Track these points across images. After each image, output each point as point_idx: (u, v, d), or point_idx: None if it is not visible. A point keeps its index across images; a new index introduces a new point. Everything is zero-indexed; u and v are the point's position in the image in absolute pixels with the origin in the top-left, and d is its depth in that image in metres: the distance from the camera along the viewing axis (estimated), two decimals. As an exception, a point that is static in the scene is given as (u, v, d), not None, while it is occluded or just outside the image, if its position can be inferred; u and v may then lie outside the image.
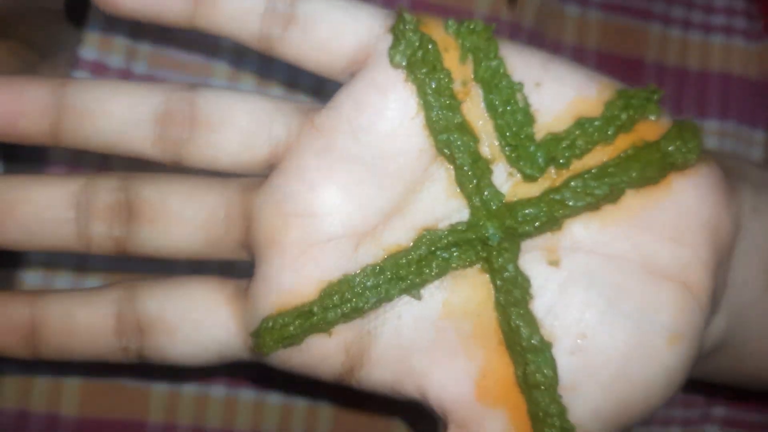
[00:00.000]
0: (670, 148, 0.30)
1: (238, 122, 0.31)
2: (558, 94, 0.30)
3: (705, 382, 0.38)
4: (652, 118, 0.30)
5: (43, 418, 0.41)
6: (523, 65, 0.30)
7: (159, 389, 0.42)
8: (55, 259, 0.40)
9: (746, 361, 0.35)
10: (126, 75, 0.42)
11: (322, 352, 0.31)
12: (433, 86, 0.30)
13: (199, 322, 0.32)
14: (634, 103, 0.30)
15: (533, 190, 0.30)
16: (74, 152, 0.40)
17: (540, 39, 0.45)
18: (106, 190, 0.32)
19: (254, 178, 0.32)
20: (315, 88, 0.43)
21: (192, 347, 0.32)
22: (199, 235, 0.32)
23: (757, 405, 0.46)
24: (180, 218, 0.32)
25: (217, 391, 0.42)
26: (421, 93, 0.30)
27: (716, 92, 0.47)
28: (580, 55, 0.46)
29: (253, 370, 0.41)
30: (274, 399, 0.43)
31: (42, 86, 0.31)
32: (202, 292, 0.32)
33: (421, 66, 0.30)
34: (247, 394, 0.43)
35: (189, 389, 0.42)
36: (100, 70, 0.41)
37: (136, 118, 0.31)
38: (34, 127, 0.31)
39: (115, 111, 0.31)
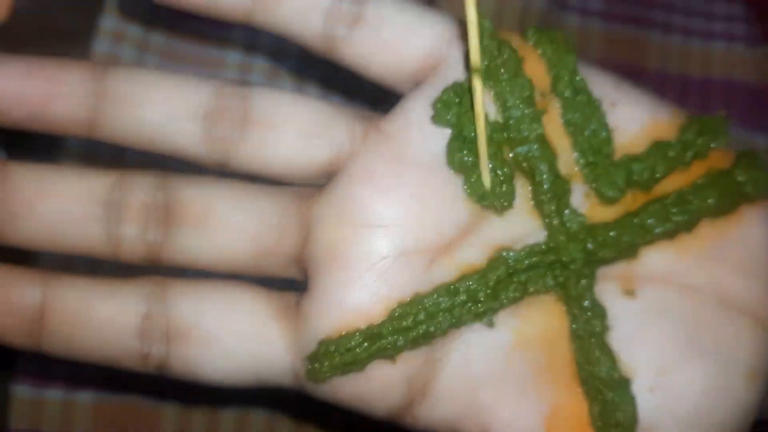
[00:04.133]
0: (743, 178, 0.29)
1: (296, 122, 0.28)
2: (633, 115, 0.29)
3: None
4: (722, 146, 0.30)
5: None
6: (599, 84, 0.29)
7: (171, 409, 0.38)
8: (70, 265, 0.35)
9: None
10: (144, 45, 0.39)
11: (383, 383, 0.28)
12: (515, 93, 0.28)
13: (242, 335, 0.28)
14: (707, 128, 0.29)
15: (609, 214, 0.29)
16: (88, 149, 0.36)
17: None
18: (142, 188, 0.28)
19: (309, 187, 0.29)
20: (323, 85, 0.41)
21: (229, 364, 0.28)
22: (247, 245, 0.28)
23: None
24: (227, 224, 0.28)
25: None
26: (501, 101, 0.28)
27: (719, 99, 0.48)
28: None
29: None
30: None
31: (81, 70, 0.27)
32: (247, 301, 0.28)
33: (502, 72, 0.28)
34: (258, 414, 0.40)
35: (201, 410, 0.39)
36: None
37: (183, 111, 0.28)
38: (68, 113, 0.27)
39: (161, 101, 0.27)
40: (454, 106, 0.28)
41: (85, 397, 0.40)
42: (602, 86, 0.29)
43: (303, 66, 0.41)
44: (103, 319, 0.27)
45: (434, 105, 0.28)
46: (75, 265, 0.30)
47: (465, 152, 0.28)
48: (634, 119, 0.29)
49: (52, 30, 0.38)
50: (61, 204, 0.27)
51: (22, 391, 0.41)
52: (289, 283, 0.29)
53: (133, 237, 0.28)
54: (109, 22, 0.40)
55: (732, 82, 0.48)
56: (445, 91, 0.28)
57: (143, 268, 0.29)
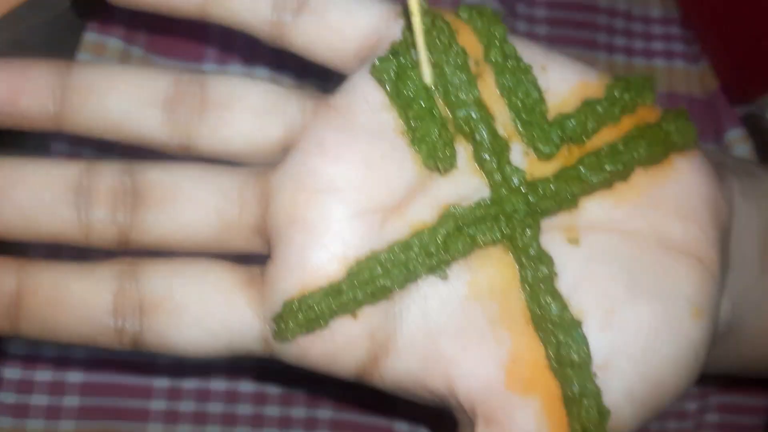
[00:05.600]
0: (670, 129, 0.31)
1: (251, 102, 0.30)
2: (563, 77, 0.31)
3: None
4: (649, 102, 0.32)
5: None
6: (528, 51, 0.31)
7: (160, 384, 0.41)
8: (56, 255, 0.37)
9: (744, 346, 0.36)
10: (125, 59, 0.42)
11: (346, 338, 0.29)
12: (451, 62, 0.30)
13: (211, 304, 0.29)
14: (633, 86, 0.31)
15: (547, 169, 0.30)
16: (71, 145, 0.38)
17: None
18: (109, 174, 0.30)
19: (266, 165, 0.31)
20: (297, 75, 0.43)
21: (200, 333, 0.29)
22: (211, 219, 0.30)
23: (750, 390, 0.47)
24: (191, 200, 0.30)
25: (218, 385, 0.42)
26: (439, 69, 0.30)
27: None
28: None
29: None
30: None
31: (45, 67, 0.29)
32: (214, 273, 0.30)
33: (437, 44, 0.30)
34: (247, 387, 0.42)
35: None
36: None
37: (143, 99, 0.30)
38: (36, 108, 0.29)
39: (122, 91, 0.29)
40: (391, 61, 0.30)
41: (74, 377, 0.42)
42: (532, 53, 0.31)
43: (278, 58, 0.43)
44: (77, 299, 0.29)
45: (373, 62, 0.30)
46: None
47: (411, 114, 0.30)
48: (564, 80, 0.31)
49: None
50: (33, 191, 0.29)
51: (11, 373, 0.42)
52: (251, 259, 0.31)
53: (103, 220, 0.29)
54: (84, 57, 0.42)
55: (676, 94, 0.51)
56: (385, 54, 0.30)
57: (114, 253, 0.30)
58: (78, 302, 0.29)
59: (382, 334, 0.29)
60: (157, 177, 0.30)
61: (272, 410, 0.44)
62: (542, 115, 0.30)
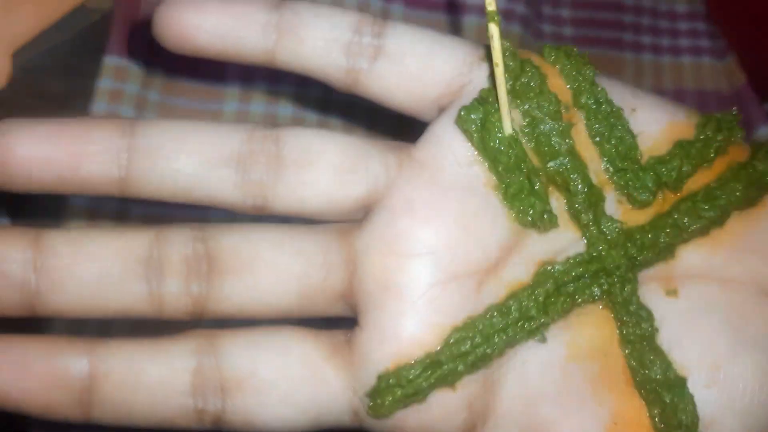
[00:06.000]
0: (761, 168, 0.29)
1: (330, 159, 0.28)
2: (653, 119, 0.29)
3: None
4: (739, 140, 0.30)
5: None
6: (616, 92, 0.29)
7: None
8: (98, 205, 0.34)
9: None
10: (141, 102, 0.39)
11: (444, 410, 0.27)
12: (544, 110, 0.28)
13: (298, 379, 0.27)
14: (724, 124, 0.30)
15: (641, 217, 0.29)
16: (91, 207, 0.35)
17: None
18: (180, 241, 0.27)
19: (348, 223, 0.29)
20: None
21: (288, 410, 0.27)
22: (293, 286, 0.28)
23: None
24: (272, 266, 0.27)
25: None
26: (530, 118, 0.28)
27: (693, 108, 0.49)
28: None
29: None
30: None
31: (109, 126, 0.27)
32: (298, 343, 0.28)
33: (527, 90, 0.28)
34: None
35: None
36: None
37: (215, 159, 0.27)
38: (99, 171, 0.26)
39: (194, 151, 0.27)
40: (479, 110, 0.28)
41: None
42: (620, 94, 0.29)
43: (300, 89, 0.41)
44: (153, 380, 0.27)
45: (459, 112, 0.28)
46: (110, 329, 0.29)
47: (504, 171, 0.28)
48: (654, 122, 0.29)
49: (49, 94, 0.38)
50: (100, 266, 0.27)
51: None
52: (330, 322, 0.29)
53: (176, 292, 0.27)
54: (106, 83, 0.39)
55: (704, 91, 0.50)
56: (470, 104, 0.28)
57: (185, 324, 0.28)
58: (155, 384, 0.27)
59: (480, 404, 0.27)
60: (233, 243, 0.28)
61: None
62: (636, 161, 0.29)
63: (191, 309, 0.27)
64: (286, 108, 0.44)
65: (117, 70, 0.41)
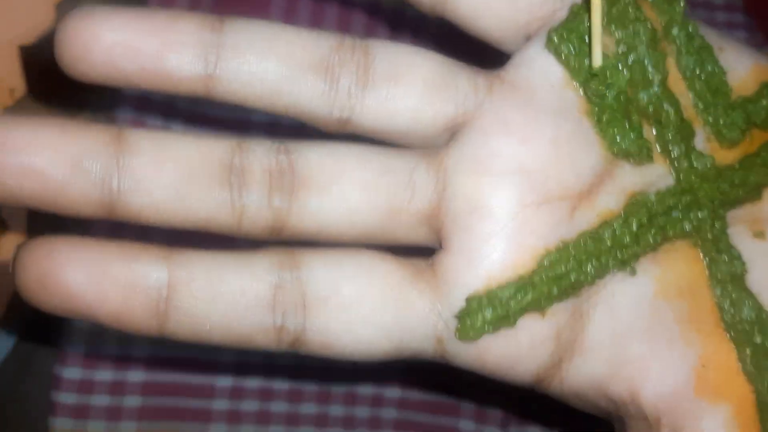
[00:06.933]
0: None
1: (421, 74, 0.27)
2: (739, 60, 0.29)
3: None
4: None
5: None
6: (704, 31, 0.29)
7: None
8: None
9: None
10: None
11: (531, 338, 0.26)
12: (642, 37, 0.27)
13: (383, 299, 0.26)
14: None
15: (729, 156, 0.28)
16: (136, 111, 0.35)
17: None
18: (263, 153, 0.26)
19: (434, 148, 0.28)
20: None
21: (371, 332, 0.26)
22: (378, 206, 0.26)
23: None
24: (359, 182, 0.26)
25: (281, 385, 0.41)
26: (625, 44, 0.27)
27: None
28: None
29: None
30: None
31: (196, 20, 0.26)
32: (381, 265, 0.26)
33: (624, 15, 0.27)
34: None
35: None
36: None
37: (305, 63, 0.26)
38: (184, 66, 0.26)
39: (283, 53, 0.26)
40: (571, 32, 0.27)
41: (135, 376, 0.40)
42: (707, 33, 0.29)
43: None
44: (234, 292, 0.25)
45: (549, 34, 0.27)
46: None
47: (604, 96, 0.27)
48: (741, 63, 0.29)
49: None
50: (185, 168, 0.25)
51: (71, 372, 0.39)
52: (408, 253, 0.28)
53: (257, 204, 0.26)
54: None
55: None
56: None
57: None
58: (235, 296, 0.25)
59: (568, 335, 0.26)
60: (318, 156, 0.26)
61: (359, 410, 0.41)
62: (726, 98, 0.28)
63: (272, 224, 0.26)
64: (330, 25, 0.43)
65: None
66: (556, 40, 0.27)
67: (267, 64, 0.26)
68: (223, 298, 0.25)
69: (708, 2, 0.51)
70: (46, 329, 0.40)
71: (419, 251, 0.28)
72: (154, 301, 0.25)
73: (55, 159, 0.24)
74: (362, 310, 0.26)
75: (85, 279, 0.24)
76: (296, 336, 0.26)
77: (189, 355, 0.40)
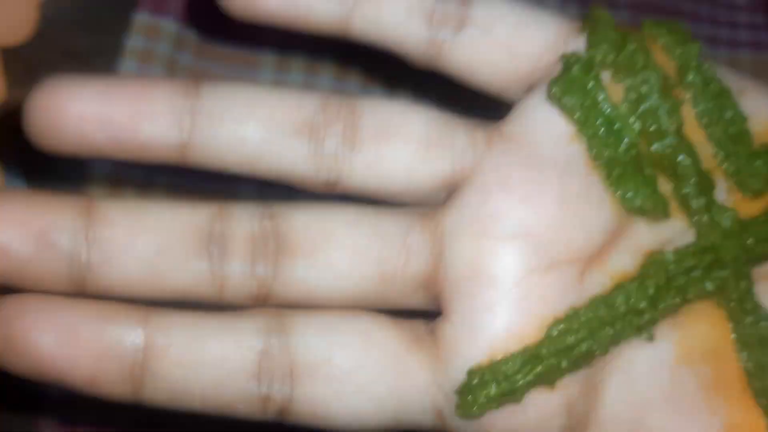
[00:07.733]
0: None
1: (412, 132, 0.25)
2: (762, 102, 0.27)
3: None
4: None
5: None
6: (721, 73, 0.27)
7: None
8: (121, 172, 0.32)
9: None
10: (172, 64, 0.39)
11: (540, 413, 0.24)
12: (652, 85, 0.25)
13: (378, 370, 0.25)
14: None
15: (753, 208, 0.26)
16: (113, 174, 0.34)
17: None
18: (246, 218, 0.25)
19: (430, 207, 0.26)
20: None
21: (365, 403, 0.24)
22: (370, 270, 0.25)
23: None
24: (348, 247, 0.25)
25: None
26: (635, 93, 0.26)
27: None
28: None
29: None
30: None
31: (171, 87, 0.25)
32: (378, 331, 0.25)
33: (632, 63, 0.26)
34: None
35: None
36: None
37: (287, 126, 0.25)
38: (159, 135, 0.24)
39: (263, 117, 0.25)
40: (575, 83, 0.25)
41: None
42: (725, 75, 0.27)
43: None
44: (215, 360, 0.24)
45: (550, 85, 0.25)
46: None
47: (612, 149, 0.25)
48: (764, 105, 0.27)
49: (75, 50, 0.36)
50: (159, 240, 0.24)
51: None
52: (406, 314, 0.26)
53: (239, 273, 0.25)
54: (136, 41, 0.39)
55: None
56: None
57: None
58: (217, 362, 0.24)
59: (581, 408, 0.24)
60: (303, 220, 0.25)
61: None
62: (748, 146, 0.26)
63: (255, 292, 0.25)
64: (325, 80, 0.42)
65: (148, 29, 0.40)
66: (558, 92, 0.25)
67: (245, 129, 0.24)
68: (203, 366, 0.24)
69: (730, 3, 0.50)
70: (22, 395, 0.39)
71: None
72: (129, 367, 0.24)
73: (20, 234, 0.23)
74: (356, 380, 0.24)
75: (54, 341, 0.23)
76: (283, 405, 0.24)
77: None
